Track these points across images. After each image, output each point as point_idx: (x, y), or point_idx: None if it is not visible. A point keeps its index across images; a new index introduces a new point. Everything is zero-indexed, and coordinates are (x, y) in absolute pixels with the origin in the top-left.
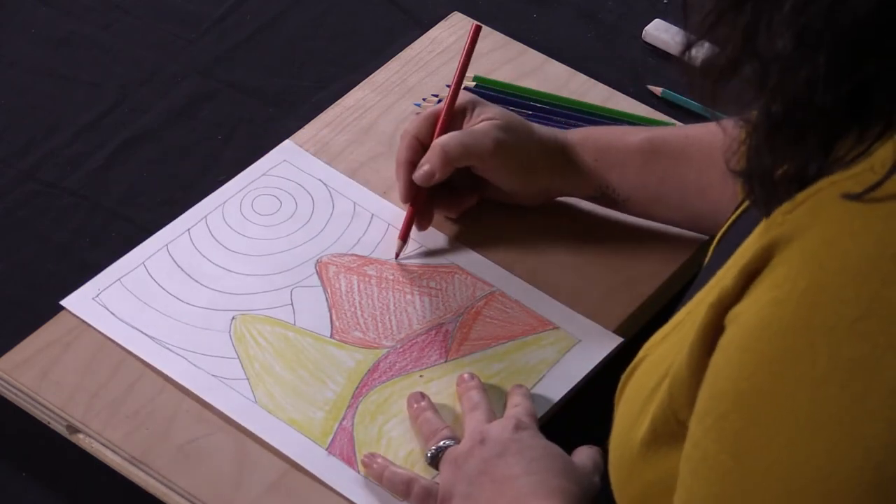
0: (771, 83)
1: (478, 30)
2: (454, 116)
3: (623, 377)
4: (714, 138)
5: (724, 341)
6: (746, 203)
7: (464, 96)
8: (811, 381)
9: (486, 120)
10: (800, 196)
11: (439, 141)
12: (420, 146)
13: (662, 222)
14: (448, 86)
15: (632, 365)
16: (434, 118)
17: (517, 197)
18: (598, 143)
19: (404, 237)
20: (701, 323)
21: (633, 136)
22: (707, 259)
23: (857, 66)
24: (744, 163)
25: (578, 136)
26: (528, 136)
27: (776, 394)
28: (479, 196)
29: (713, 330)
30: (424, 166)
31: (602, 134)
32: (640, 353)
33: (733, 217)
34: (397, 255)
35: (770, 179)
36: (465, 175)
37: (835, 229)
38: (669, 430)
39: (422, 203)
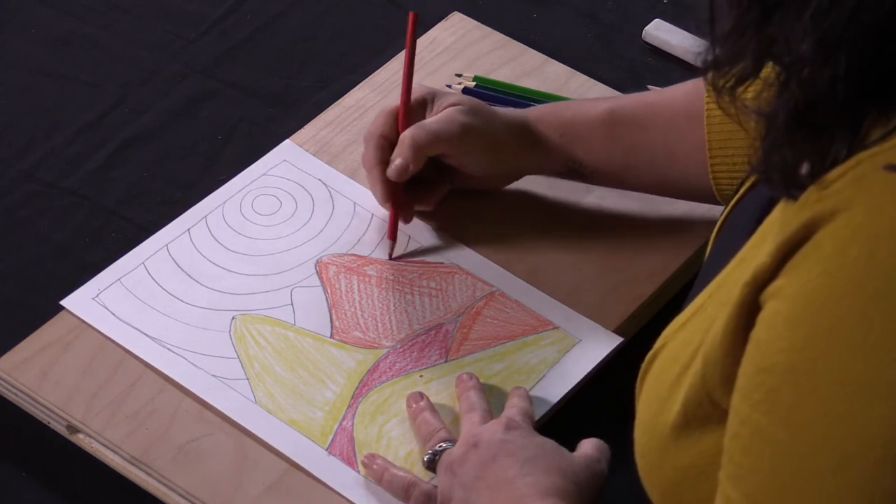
0: (792, 83)
1: (415, 17)
2: (415, 110)
3: (643, 366)
4: (674, 103)
5: (767, 316)
6: (745, 188)
7: (421, 89)
8: (866, 349)
9: (449, 107)
10: (835, 172)
11: (407, 133)
12: (388, 144)
13: (633, 190)
14: (448, 85)
15: (651, 353)
16: (395, 115)
17: (486, 180)
18: (562, 118)
19: (393, 236)
20: (735, 302)
21: (594, 108)
22: (710, 246)
23: (877, 62)
24: (761, 156)
25: (541, 112)
26: (493, 118)
27: (830, 363)
28: (450, 185)
29: (749, 308)
30: (397, 160)
31: (564, 109)
32: (659, 342)
33: (734, 200)
34: (391, 256)
35: (791, 170)
36: (432, 166)
37: (880, 199)
38: (703, 413)
39: (401, 199)
